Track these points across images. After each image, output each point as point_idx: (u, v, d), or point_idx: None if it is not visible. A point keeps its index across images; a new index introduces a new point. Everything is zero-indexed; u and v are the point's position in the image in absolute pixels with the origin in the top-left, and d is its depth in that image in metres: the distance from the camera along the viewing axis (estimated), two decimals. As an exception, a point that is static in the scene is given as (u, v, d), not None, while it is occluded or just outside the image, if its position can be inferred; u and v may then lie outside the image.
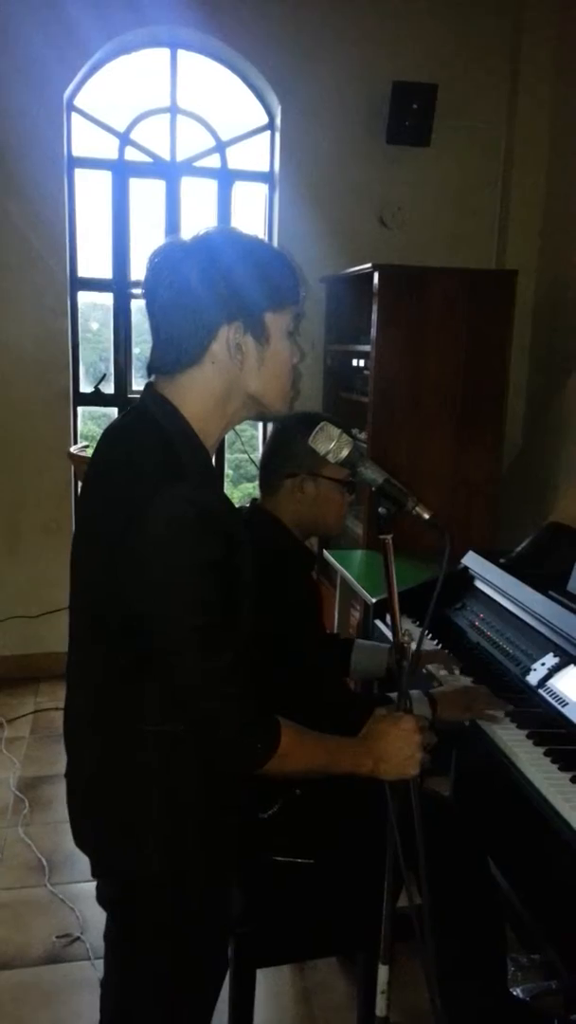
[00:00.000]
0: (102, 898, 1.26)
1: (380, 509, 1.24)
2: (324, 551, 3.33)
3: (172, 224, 3.95)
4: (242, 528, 1.18)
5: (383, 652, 2.05)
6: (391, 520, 1.25)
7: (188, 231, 1.21)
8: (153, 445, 1.14)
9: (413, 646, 1.26)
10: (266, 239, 1.24)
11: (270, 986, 2.05)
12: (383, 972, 1.34)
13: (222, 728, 1.14)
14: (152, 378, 1.22)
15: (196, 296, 1.13)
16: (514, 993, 1.96)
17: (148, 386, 1.22)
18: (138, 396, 1.24)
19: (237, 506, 1.83)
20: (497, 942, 1.77)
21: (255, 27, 3.69)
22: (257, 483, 1.79)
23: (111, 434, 1.22)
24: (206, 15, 3.63)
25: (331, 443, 1.24)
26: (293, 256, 1.27)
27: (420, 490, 3.38)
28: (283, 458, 1.70)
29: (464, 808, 2.34)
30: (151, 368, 1.21)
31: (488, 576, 2.33)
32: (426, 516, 1.25)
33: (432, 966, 1.29)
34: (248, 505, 1.80)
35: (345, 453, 1.24)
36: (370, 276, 3.20)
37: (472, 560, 2.45)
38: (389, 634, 2.33)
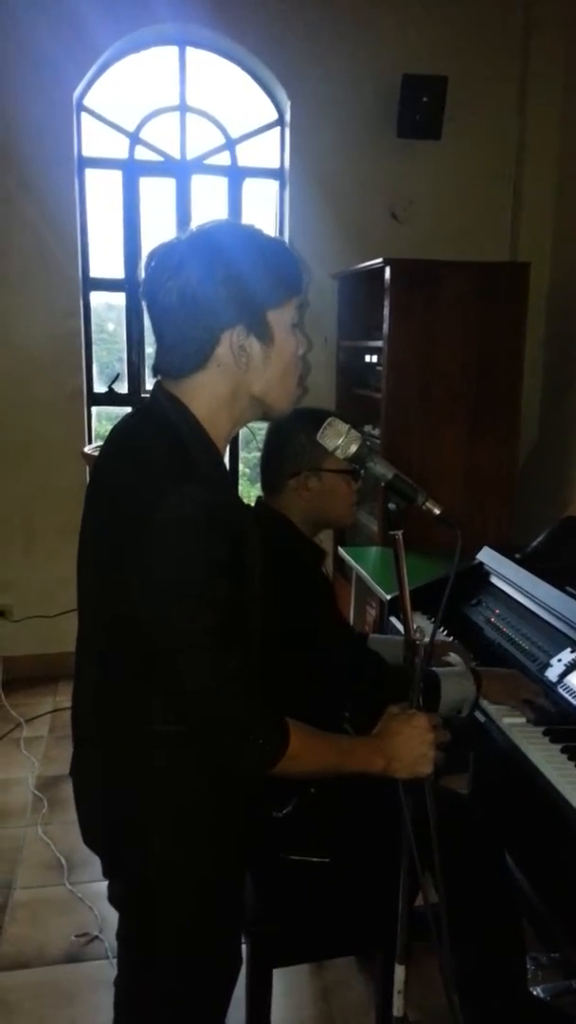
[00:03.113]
0: (114, 897, 1.26)
1: (390, 505, 1.23)
2: (339, 548, 3.31)
3: (183, 222, 3.94)
4: (252, 528, 1.17)
5: (398, 645, 2.02)
6: (401, 516, 1.24)
7: (185, 228, 1.19)
8: (162, 444, 1.13)
9: (426, 640, 1.25)
10: (263, 230, 1.22)
11: (287, 985, 2.05)
12: (399, 972, 1.33)
13: (230, 730, 1.13)
14: (159, 378, 1.21)
15: (197, 302, 1.12)
16: (534, 992, 1.95)
17: (158, 384, 1.21)
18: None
19: (246, 505, 1.82)
20: (515, 941, 1.75)
21: (263, 23, 3.67)
22: (261, 483, 1.78)
23: (120, 432, 1.22)
24: (214, 12, 3.61)
25: (340, 439, 1.23)
26: (296, 247, 1.25)
27: (434, 485, 3.37)
28: (283, 457, 1.69)
29: (482, 806, 2.32)
30: (157, 370, 1.20)
31: (503, 572, 2.31)
32: (436, 511, 1.23)
33: (449, 965, 1.28)
34: (254, 504, 1.80)
35: (354, 449, 1.23)
36: (382, 271, 3.18)
37: (487, 556, 2.43)
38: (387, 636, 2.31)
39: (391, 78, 3.65)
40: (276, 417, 1.27)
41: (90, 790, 1.23)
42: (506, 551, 2.38)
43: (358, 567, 2.96)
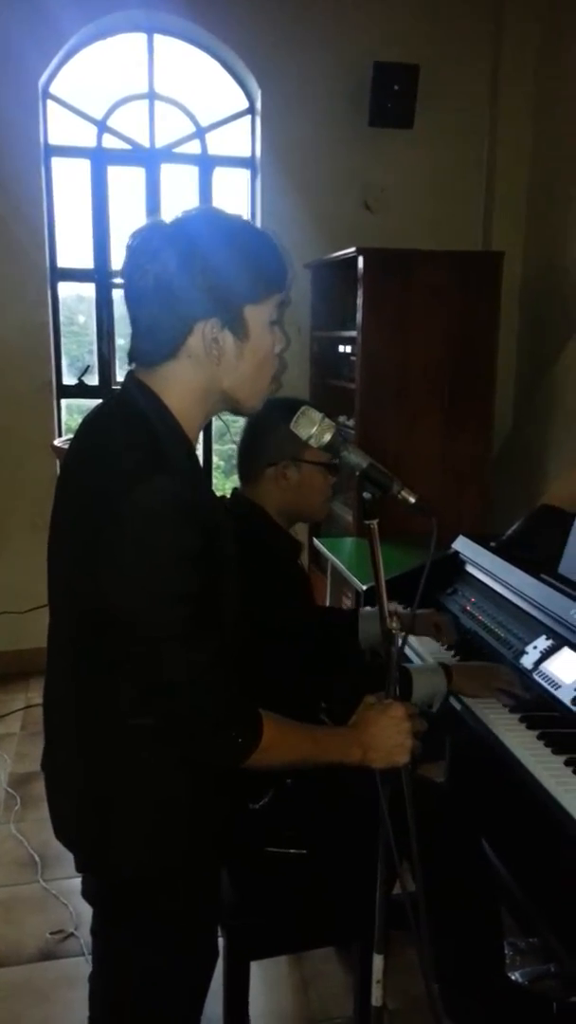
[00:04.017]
0: (87, 892, 1.25)
1: (365, 494, 1.22)
2: (314, 539, 3.30)
3: (153, 212, 3.89)
4: (226, 519, 1.15)
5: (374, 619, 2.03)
6: (376, 505, 1.23)
7: (169, 214, 1.17)
8: (133, 435, 1.11)
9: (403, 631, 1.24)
10: (251, 222, 1.19)
11: (267, 976, 2.04)
12: (378, 961, 1.32)
13: (203, 722, 1.12)
14: (133, 366, 1.19)
15: (173, 289, 1.10)
16: (512, 978, 1.96)
17: (130, 374, 1.19)
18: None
19: (219, 496, 1.81)
20: (494, 927, 1.76)
21: (233, 10, 3.63)
22: (238, 473, 1.76)
23: (90, 424, 1.19)
24: (181, -2, 3.57)
25: (313, 427, 1.22)
26: (276, 241, 1.22)
27: (409, 475, 3.36)
28: (261, 447, 1.68)
29: (460, 794, 2.33)
30: (131, 357, 1.18)
31: (479, 560, 2.31)
32: (412, 500, 1.22)
33: (427, 953, 1.28)
34: (230, 495, 1.78)
35: (328, 437, 1.22)
36: (355, 260, 3.17)
37: (463, 544, 2.43)
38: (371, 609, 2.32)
39: (363, 66, 3.63)
40: (245, 413, 1.25)
41: (62, 784, 1.21)
42: (481, 540, 2.38)
43: (333, 558, 2.95)
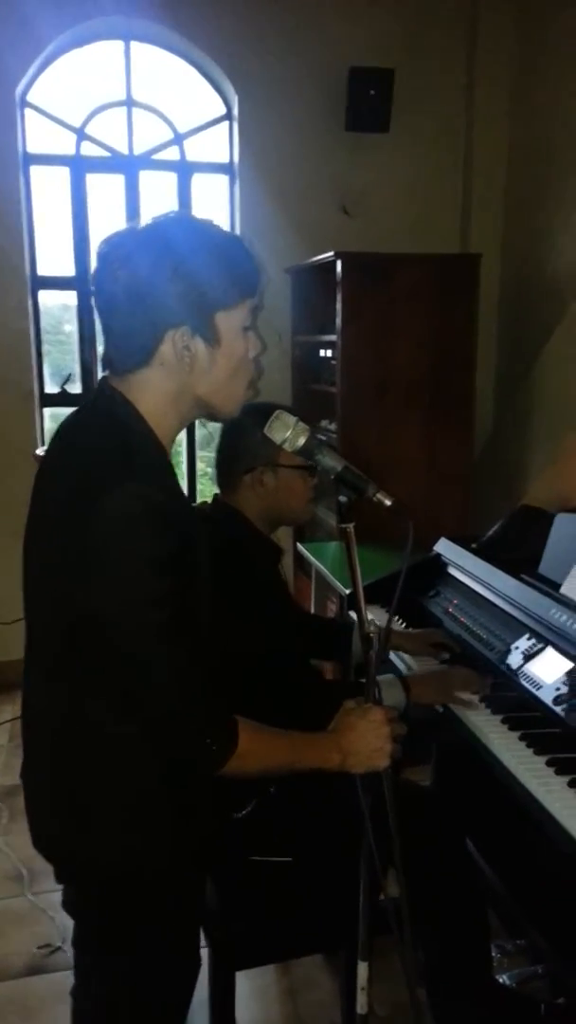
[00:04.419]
0: (68, 903, 1.23)
1: (340, 497, 1.22)
2: (298, 544, 3.30)
3: (132, 218, 3.86)
4: (198, 526, 1.15)
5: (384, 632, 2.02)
6: (352, 508, 1.23)
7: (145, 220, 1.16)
8: (106, 442, 1.10)
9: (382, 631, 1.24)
10: (221, 227, 1.19)
11: (255, 985, 2.03)
12: (362, 968, 1.31)
13: (178, 729, 1.11)
14: (107, 373, 1.18)
15: (142, 296, 1.09)
16: (500, 980, 1.95)
17: (104, 381, 1.18)
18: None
19: (199, 502, 1.80)
20: (480, 930, 1.75)
21: (209, 16, 3.64)
22: (216, 481, 1.75)
23: (64, 431, 1.19)
24: (160, 5, 3.57)
25: (287, 431, 1.21)
26: (254, 246, 1.22)
27: (391, 478, 3.36)
28: (237, 454, 1.67)
29: (446, 796, 2.33)
30: (105, 364, 1.18)
31: (460, 562, 2.31)
32: (387, 503, 1.22)
33: (410, 959, 1.27)
34: (210, 501, 1.77)
35: (302, 441, 1.21)
36: (333, 265, 3.17)
37: (444, 547, 2.43)
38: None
39: (339, 71, 3.64)
40: (222, 419, 1.25)
41: (39, 795, 1.20)
42: (463, 541, 2.38)
43: (317, 563, 2.95)
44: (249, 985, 2.03)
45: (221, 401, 1.19)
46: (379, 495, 1.22)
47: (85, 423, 1.16)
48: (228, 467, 1.71)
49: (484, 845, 2.19)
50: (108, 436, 1.11)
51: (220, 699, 1.13)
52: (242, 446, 1.67)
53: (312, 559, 3.00)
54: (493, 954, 2.01)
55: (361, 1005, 1.33)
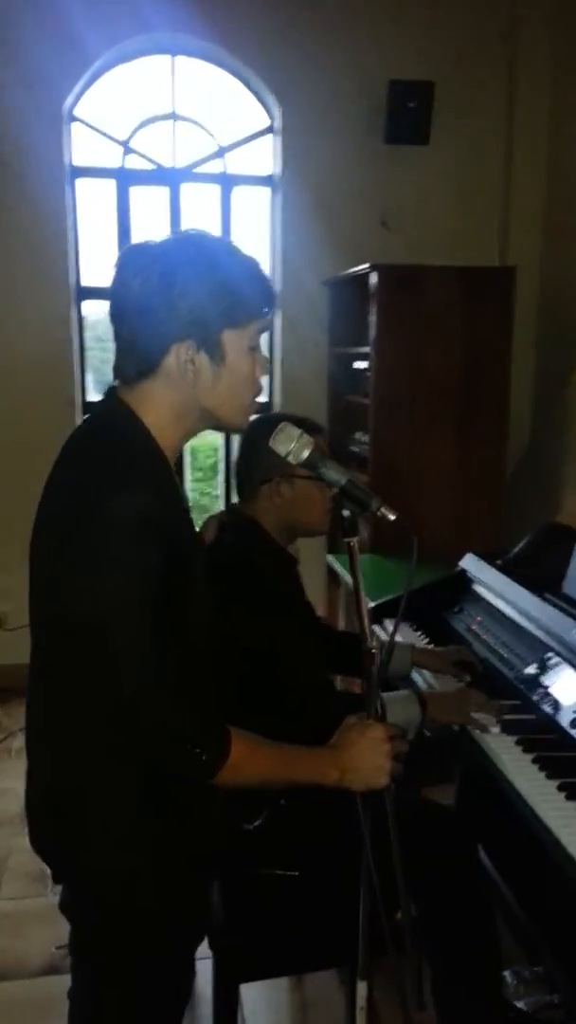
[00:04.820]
0: (64, 906, 1.25)
1: (344, 511, 1.21)
2: (329, 556, 3.29)
3: (175, 231, 3.93)
4: (195, 537, 1.16)
5: (406, 650, 2.01)
6: (356, 522, 1.22)
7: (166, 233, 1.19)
8: (105, 452, 1.13)
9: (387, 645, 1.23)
10: (239, 248, 1.21)
11: (266, 999, 2.03)
12: (361, 988, 1.30)
13: (167, 737, 1.12)
14: (116, 383, 1.21)
15: (151, 309, 1.12)
16: (516, 1005, 1.91)
17: (111, 391, 1.20)
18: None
19: (215, 512, 1.81)
20: (491, 951, 1.72)
21: (253, 31, 3.68)
22: (236, 490, 1.76)
23: (70, 441, 1.21)
24: (205, 20, 3.62)
25: (291, 443, 1.21)
26: (260, 268, 1.22)
27: (423, 491, 3.34)
28: (255, 464, 1.68)
29: (464, 816, 2.30)
30: (115, 373, 1.20)
31: (485, 578, 2.29)
32: (391, 517, 1.21)
33: (410, 978, 1.26)
34: (226, 510, 1.78)
35: (306, 454, 1.21)
36: (368, 277, 3.17)
37: (470, 562, 2.41)
38: (385, 639, 2.29)
39: (379, 84, 3.65)
40: (230, 431, 1.26)
41: (36, 795, 1.22)
42: (488, 557, 2.35)
43: (345, 574, 2.94)
44: (263, 997, 2.02)
45: (227, 414, 1.20)
46: (383, 509, 1.21)
47: (88, 433, 1.18)
48: (246, 477, 1.72)
49: (505, 868, 2.15)
50: (108, 446, 1.13)
51: (213, 708, 1.14)
52: (259, 457, 1.67)
53: (340, 570, 2.98)
54: (509, 980, 1.97)
55: (359, 1024, 1.31)
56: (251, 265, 1.19)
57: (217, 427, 1.25)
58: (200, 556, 1.17)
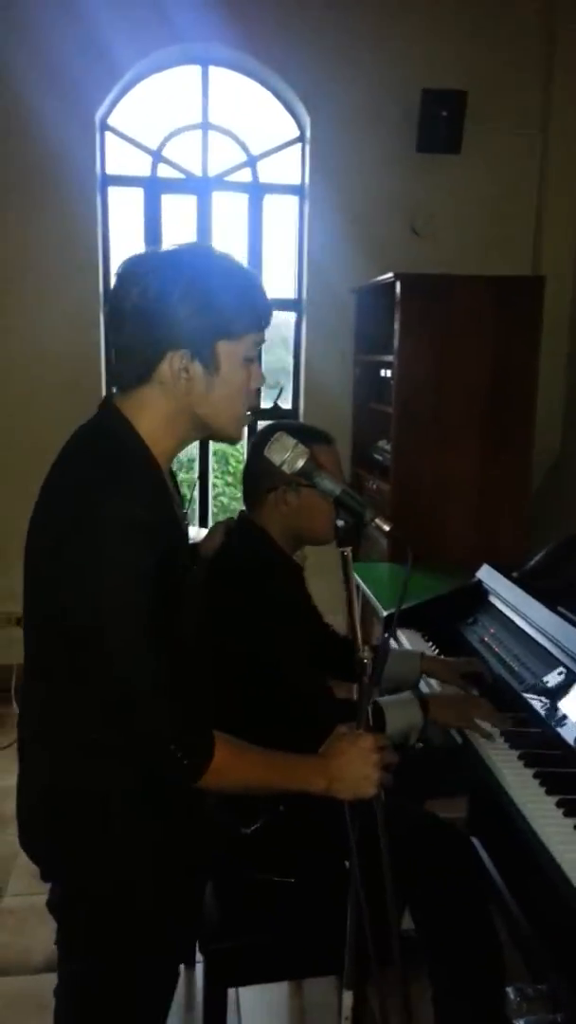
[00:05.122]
0: (51, 904, 1.26)
1: (338, 521, 1.21)
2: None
3: (204, 239, 3.98)
4: (185, 543, 1.17)
5: (415, 658, 2.00)
6: (351, 532, 1.22)
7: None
8: (96, 458, 1.14)
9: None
10: (239, 262, 1.22)
11: (265, 1002, 2.03)
12: (347, 997, 1.30)
13: (152, 739, 1.13)
14: (114, 390, 1.23)
15: (147, 315, 1.13)
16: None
17: (107, 398, 1.22)
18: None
19: (223, 519, 1.83)
20: (491, 966, 1.70)
21: (284, 41, 3.71)
22: (243, 497, 1.77)
23: (66, 447, 1.23)
24: (236, 31, 3.66)
25: (286, 453, 1.22)
26: (259, 281, 1.23)
27: (445, 501, 3.31)
28: (261, 472, 1.69)
29: (480, 832, 2.27)
30: (112, 379, 1.22)
31: (500, 590, 2.27)
32: (386, 529, 1.21)
33: (398, 991, 1.25)
34: (236, 518, 1.79)
35: (301, 463, 1.22)
36: (394, 285, 3.16)
37: (486, 574, 2.39)
38: (395, 646, 2.28)
39: (411, 93, 3.65)
40: (223, 440, 1.27)
41: (27, 793, 1.23)
42: (505, 569, 2.33)
43: (361, 583, 2.93)
44: (262, 1002, 2.02)
45: (220, 423, 1.21)
46: (378, 520, 1.21)
47: (84, 438, 1.20)
48: (253, 484, 1.73)
49: (512, 883, 2.13)
50: (102, 452, 1.15)
51: (200, 713, 1.15)
52: (264, 464, 1.68)
53: (357, 579, 2.98)
54: (512, 996, 1.94)
55: (344, 1035, 1.31)
56: (249, 279, 1.20)
57: (211, 436, 1.26)
58: (187, 561, 1.18)
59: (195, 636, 1.21)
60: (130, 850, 1.19)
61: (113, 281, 1.20)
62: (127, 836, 1.18)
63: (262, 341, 1.23)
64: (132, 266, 1.17)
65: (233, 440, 1.28)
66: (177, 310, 1.13)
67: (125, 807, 1.18)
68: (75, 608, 1.08)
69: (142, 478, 1.14)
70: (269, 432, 1.53)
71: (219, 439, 1.27)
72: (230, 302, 1.16)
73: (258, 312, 1.20)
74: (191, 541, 1.93)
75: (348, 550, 1.22)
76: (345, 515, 1.21)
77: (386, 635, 1.99)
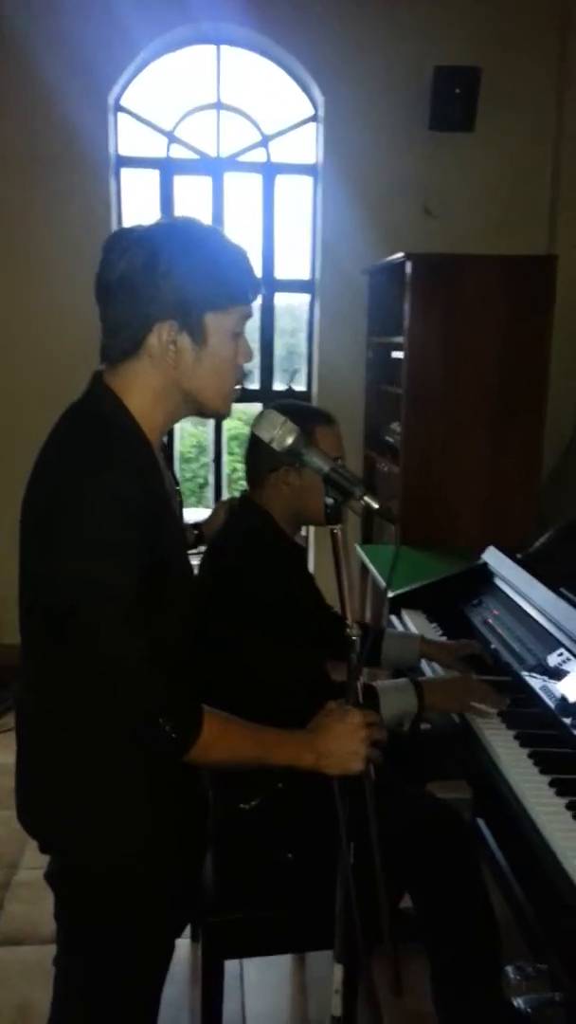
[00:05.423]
0: (49, 875, 1.29)
1: (327, 499, 1.22)
2: (357, 546, 3.29)
3: (217, 219, 3.97)
4: (175, 521, 1.18)
5: (414, 641, 2.01)
6: (339, 510, 1.23)
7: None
8: (84, 434, 1.15)
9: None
10: (227, 236, 1.22)
11: (270, 977, 2.06)
12: (337, 971, 1.31)
13: (138, 714, 1.14)
14: (102, 367, 1.23)
15: (134, 287, 1.13)
16: (515, 1004, 1.90)
17: (96, 375, 1.23)
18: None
19: (228, 498, 1.83)
20: (488, 946, 1.72)
21: (297, 19, 3.67)
22: (245, 478, 1.78)
23: (55, 425, 1.24)
24: (249, 9, 3.62)
25: (274, 430, 1.22)
26: (247, 255, 1.23)
27: (455, 484, 3.29)
28: (262, 452, 1.69)
29: (484, 813, 2.28)
30: (101, 354, 1.22)
31: (504, 572, 2.26)
32: (375, 506, 1.21)
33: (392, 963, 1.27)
34: (238, 499, 1.80)
35: (289, 441, 1.22)
36: (404, 265, 3.14)
37: (491, 556, 2.38)
38: (402, 630, 2.29)
39: (424, 70, 3.60)
40: (211, 416, 1.28)
41: (23, 768, 1.26)
42: (510, 551, 2.33)
43: (370, 565, 2.94)
44: (264, 977, 2.06)
45: (207, 398, 1.22)
46: (366, 498, 1.21)
47: (71, 416, 1.21)
48: (254, 466, 1.73)
49: (516, 863, 2.13)
50: (89, 428, 1.15)
51: (187, 688, 1.16)
52: (266, 445, 1.68)
53: (366, 560, 2.98)
54: (512, 975, 1.95)
55: (334, 1007, 1.33)
56: (237, 251, 1.20)
57: (200, 412, 1.26)
58: (175, 536, 1.19)
59: (187, 611, 1.22)
60: (122, 824, 1.21)
61: (100, 255, 1.20)
62: (119, 810, 1.20)
63: (249, 314, 1.23)
64: (117, 240, 1.17)
65: (221, 416, 1.28)
66: (164, 280, 1.13)
67: (117, 781, 1.20)
68: (58, 585, 1.10)
69: (130, 453, 1.14)
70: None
71: (207, 414, 1.27)
72: (217, 273, 1.16)
73: (245, 284, 1.20)
74: (195, 521, 1.96)
75: (338, 527, 1.22)
76: (334, 492, 1.22)
77: (430, 619, 1.97)
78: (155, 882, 1.25)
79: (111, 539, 1.07)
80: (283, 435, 1.22)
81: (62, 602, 1.10)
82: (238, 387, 1.25)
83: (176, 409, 1.22)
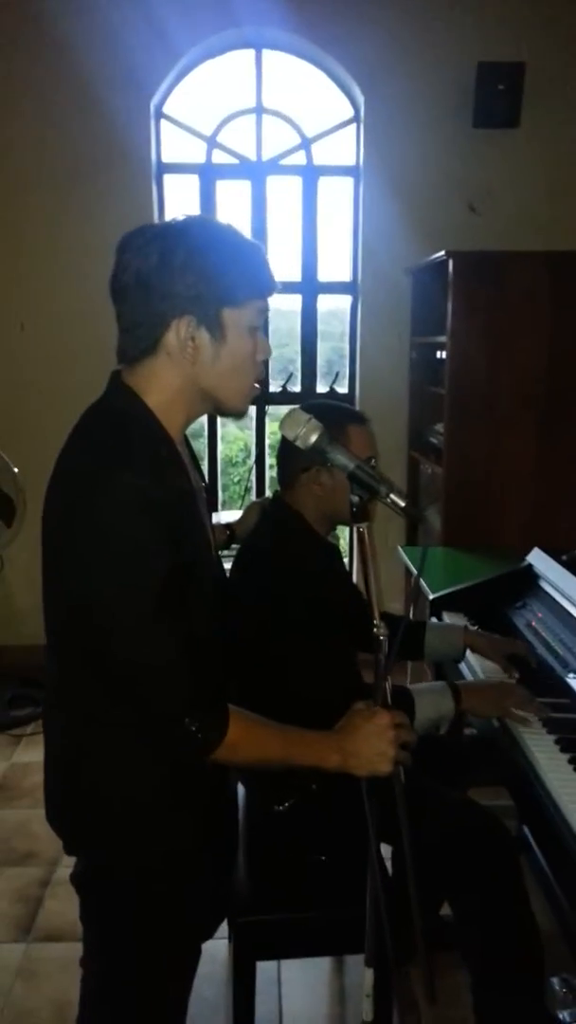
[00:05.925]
0: (75, 876, 1.29)
1: (352, 497, 1.20)
2: (399, 547, 3.25)
3: (259, 223, 3.98)
4: (199, 519, 1.17)
5: (456, 632, 1.97)
6: (365, 508, 1.21)
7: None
8: (104, 433, 1.15)
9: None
10: (242, 232, 1.22)
11: (305, 980, 2.04)
12: (368, 975, 1.30)
13: (163, 714, 1.14)
14: (121, 366, 1.23)
15: (150, 284, 1.13)
16: (559, 1016, 1.85)
17: (114, 374, 1.23)
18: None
19: (261, 498, 1.82)
20: (532, 960, 1.67)
21: (338, 21, 3.66)
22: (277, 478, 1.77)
23: (75, 426, 1.24)
24: (290, 13, 3.62)
25: (298, 428, 1.21)
26: (263, 251, 1.23)
27: (500, 486, 3.23)
28: (295, 452, 1.67)
29: (528, 820, 2.23)
30: (118, 354, 1.22)
31: (549, 575, 2.21)
32: (401, 504, 1.19)
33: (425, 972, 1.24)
34: (271, 499, 1.79)
35: (313, 439, 1.21)
36: (447, 264, 3.10)
37: (537, 558, 2.34)
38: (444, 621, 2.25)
39: (466, 67, 3.55)
40: (229, 414, 1.27)
41: (51, 770, 1.27)
42: (555, 554, 2.28)
43: (411, 565, 2.90)
44: (302, 979, 2.04)
45: (226, 395, 1.21)
46: (393, 496, 1.19)
47: (92, 416, 1.21)
48: (286, 465, 1.73)
49: (559, 871, 2.08)
50: (110, 429, 1.15)
51: (213, 688, 1.15)
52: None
53: (407, 561, 2.95)
54: (557, 987, 1.90)
55: (365, 1012, 1.31)
56: (252, 246, 1.20)
57: (218, 411, 1.25)
58: (201, 537, 1.18)
59: (214, 610, 1.22)
60: (146, 826, 1.21)
61: (114, 256, 1.19)
62: (143, 812, 1.20)
63: (266, 310, 1.22)
64: (131, 239, 1.17)
65: (239, 415, 1.27)
66: (180, 276, 1.13)
67: (141, 783, 1.19)
68: (81, 586, 1.09)
69: (151, 451, 1.14)
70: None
71: (225, 413, 1.26)
72: (233, 268, 1.15)
73: (261, 278, 1.19)
74: (227, 522, 1.96)
75: (363, 526, 1.21)
76: (359, 490, 1.20)
77: (471, 621, 1.94)
78: (178, 885, 1.24)
79: (133, 538, 1.07)
80: (307, 433, 1.21)
81: (85, 601, 1.10)
82: (257, 386, 1.24)
83: (195, 407, 1.22)
